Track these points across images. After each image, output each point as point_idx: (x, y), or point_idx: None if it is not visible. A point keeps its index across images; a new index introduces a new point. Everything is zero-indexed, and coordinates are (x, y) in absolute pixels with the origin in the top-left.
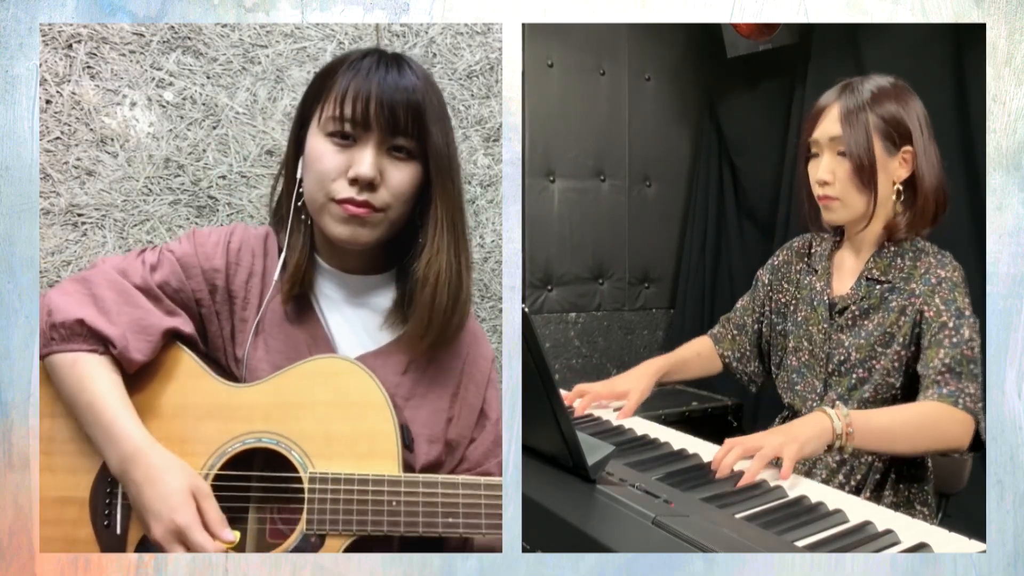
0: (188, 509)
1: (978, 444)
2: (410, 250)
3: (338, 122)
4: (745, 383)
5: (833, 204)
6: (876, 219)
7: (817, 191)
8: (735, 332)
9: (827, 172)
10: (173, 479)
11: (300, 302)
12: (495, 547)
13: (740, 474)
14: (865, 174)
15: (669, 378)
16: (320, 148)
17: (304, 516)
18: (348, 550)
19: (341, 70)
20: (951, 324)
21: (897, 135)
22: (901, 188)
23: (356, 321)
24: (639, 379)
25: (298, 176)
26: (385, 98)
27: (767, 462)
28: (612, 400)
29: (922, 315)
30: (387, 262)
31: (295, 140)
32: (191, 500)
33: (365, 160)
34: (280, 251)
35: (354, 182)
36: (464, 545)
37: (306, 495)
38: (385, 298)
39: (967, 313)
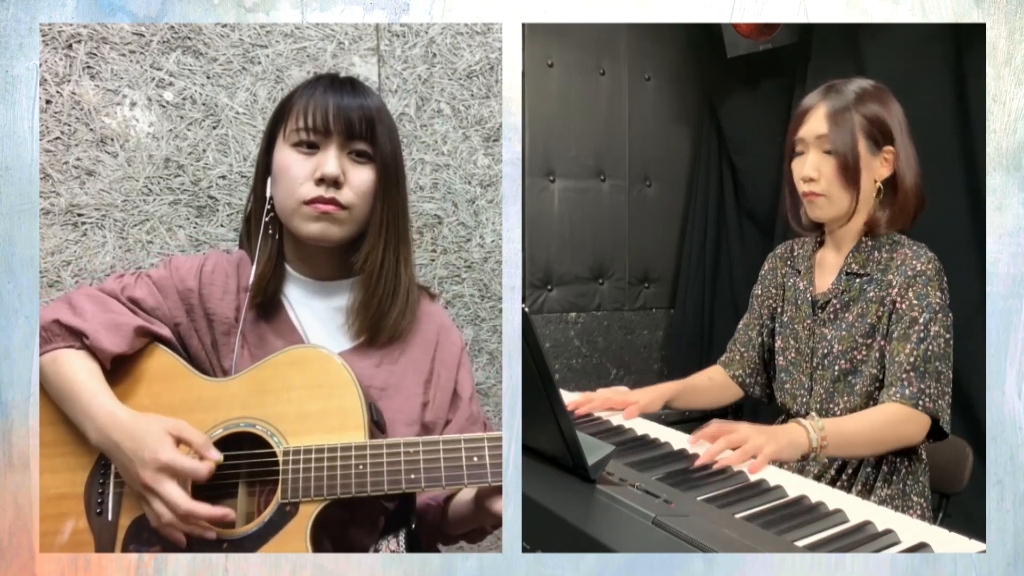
0: (168, 445)
1: (941, 434)
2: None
3: (302, 132)
4: (759, 396)
5: (818, 200)
6: (858, 215)
7: (802, 187)
8: (742, 350)
9: (813, 169)
10: (147, 425)
11: (278, 313)
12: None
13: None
14: (850, 171)
15: (681, 403)
16: (288, 158)
17: (279, 488)
18: (324, 520)
19: (298, 92)
20: (920, 320)
21: (880, 135)
22: (882, 187)
23: (330, 324)
24: (648, 392)
25: (267, 195)
26: (341, 107)
27: (747, 458)
28: (621, 404)
29: (895, 306)
30: (352, 268)
31: (263, 162)
32: (169, 437)
33: (329, 161)
34: (251, 260)
35: (320, 181)
36: (444, 525)
37: (280, 468)
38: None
39: (938, 308)
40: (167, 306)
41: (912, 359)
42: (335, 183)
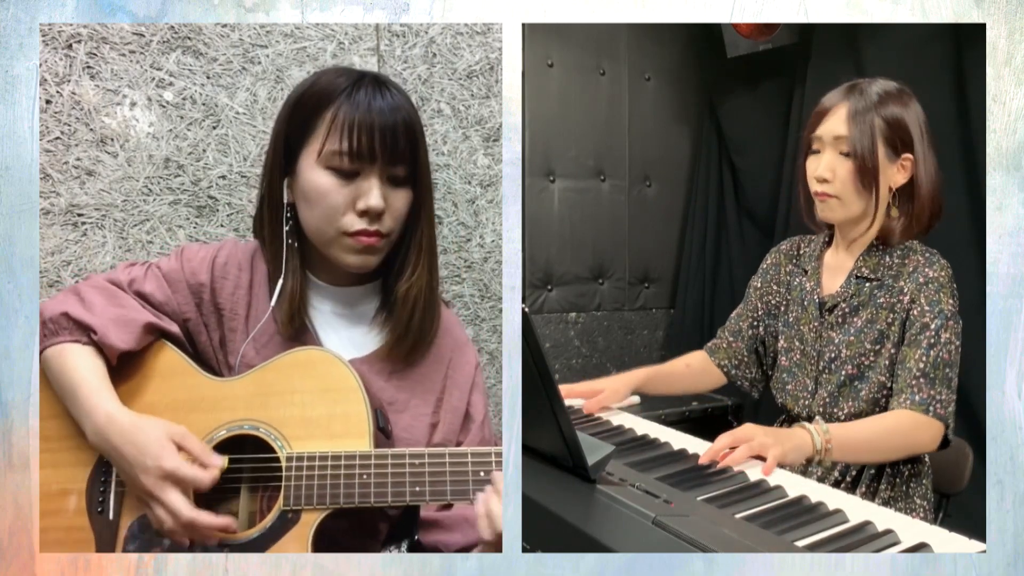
0: (171, 452)
1: (944, 443)
2: (391, 262)
3: (344, 158)
4: (747, 390)
5: (831, 201)
6: (874, 222)
7: (815, 187)
8: (730, 339)
9: (827, 170)
10: (148, 430)
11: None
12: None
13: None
14: (867, 176)
15: (653, 389)
16: (324, 183)
17: (281, 494)
18: (326, 528)
19: (335, 102)
20: (932, 326)
21: (900, 141)
22: (896, 194)
23: (343, 330)
24: (615, 380)
25: (285, 201)
26: (388, 128)
27: (752, 454)
28: (588, 394)
29: (908, 314)
30: (373, 274)
31: (280, 167)
32: (171, 444)
33: (374, 193)
34: (267, 264)
35: (364, 213)
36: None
37: (283, 474)
38: (371, 307)
39: (949, 315)
40: (176, 300)
41: (922, 365)
42: (378, 215)
